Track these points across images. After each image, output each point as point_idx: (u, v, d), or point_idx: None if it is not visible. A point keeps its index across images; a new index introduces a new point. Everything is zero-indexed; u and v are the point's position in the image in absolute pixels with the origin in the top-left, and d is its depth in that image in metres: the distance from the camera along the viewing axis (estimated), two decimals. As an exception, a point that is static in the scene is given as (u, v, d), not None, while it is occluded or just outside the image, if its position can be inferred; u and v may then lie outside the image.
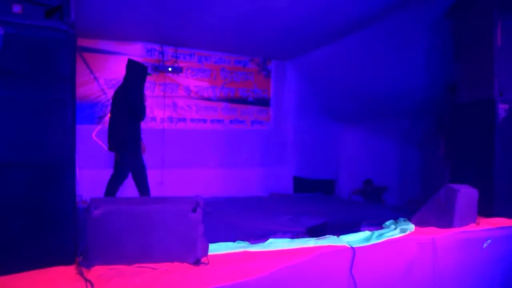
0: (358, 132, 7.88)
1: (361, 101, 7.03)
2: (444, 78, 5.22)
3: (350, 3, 4.94)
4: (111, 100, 5.03)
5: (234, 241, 2.99)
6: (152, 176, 6.90)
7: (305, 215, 4.96)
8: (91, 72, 6.57)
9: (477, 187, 3.87)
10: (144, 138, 6.92)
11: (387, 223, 3.74)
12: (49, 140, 2.41)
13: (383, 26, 5.52)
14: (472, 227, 3.72)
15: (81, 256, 2.43)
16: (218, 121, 7.69)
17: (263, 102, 8.11)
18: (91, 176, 6.22)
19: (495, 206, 4.10)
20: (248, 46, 7.18)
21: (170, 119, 7.24)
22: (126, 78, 4.91)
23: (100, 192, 6.33)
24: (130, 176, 5.09)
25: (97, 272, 2.28)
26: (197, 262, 2.46)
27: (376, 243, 3.09)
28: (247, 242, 2.98)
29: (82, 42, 6.19)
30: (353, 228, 3.40)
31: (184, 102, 7.34)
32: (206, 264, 2.49)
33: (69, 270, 2.33)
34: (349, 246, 2.92)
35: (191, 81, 7.37)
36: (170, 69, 6.99)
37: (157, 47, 7.02)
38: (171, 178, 7.01)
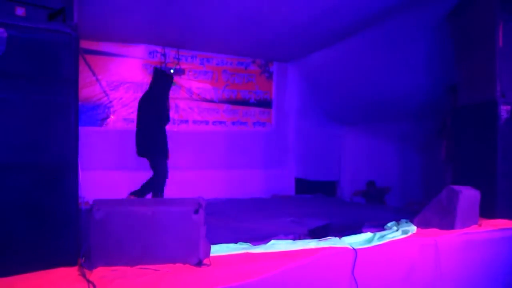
0: (359, 134, 7.88)
1: (362, 103, 7.04)
2: (445, 80, 5.22)
3: (351, 6, 4.95)
4: (137, 107, 5.23)
5: (236, 242, 2.99)
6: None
7: (307, 217, 4.95)
8: (94, 74, 6.59)
9: (479, 189, 3.87)
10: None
11: (389, 224, 3.74)
12: (52, 142, 2.42)
13: (384, 28, 5.52)
14: (474, 228, 3.71)
15: (83, 258, 2.44)
16: (220, 122, 7.69)
17: (265, 103, 8.11)
18: (93, 177, 6.26)
19: (497, 208, 4.08)
20: (250, 48, 7.19)
21: (172, 120, 7.24)
22: (152, 85, 5.18)
23: (103, 193, 6.35)
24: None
25: (99, 273, 2.29)
26: (199, 264, 2.46)
27: (378, 245, 3.09)
28: (249, 244, 2.99)
29: (84, 44, 6.21)
30: (355, 229, 3.40)
31: (186, 104, 7.35)
32: (208, 265, 2.49)
33: (72, 272, 2.34)
34: (351, 248, 2.92)
35: (193, 83, 7.38)
36: (172, 71, 7.00)
37: (159, 49, 7.04)
38: (173, 179, 6.99)
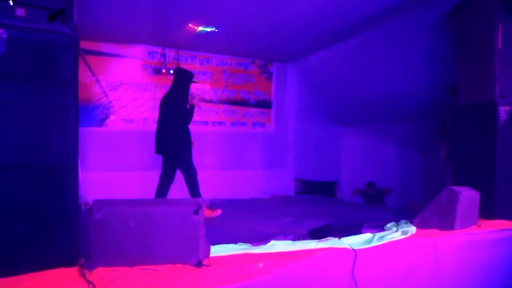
0: (359, 134, 7.88)
1: (362, 104, 7.04)
2: (444, 81, 5.22)
3: (351, 6, 4.95)
4: (159, 106, 5.24)
5: (235, 243, 2.99)
6: (154, 178, 6.92)
7: (306, 217, 4.96)
8: (93, 74, 6.60)
9: (478, 189, 3.87)
10: (146, 140, 6.97)
11: (389, 225, 3.75)
12: (51, 142, 2.42)
13: (384, 28, 5.53)
14: (473, 229, 3.71)
15: (83, 258, 2.44)
16: (220, 123, 7.70)
17: (264, 104, 8.12)
18: (93, 178, 6.27)
19: (496, 208, 4.09)
20: (249, 49, 7.20)
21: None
22: (173, 84, 5.20)
23: (102, 194, 6.36)
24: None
25: (99, 274, 2.28)
26: (199, 264, 2.46)
27: (378, 245, 3.09)
28: (248, 244, 2.99)
29: (84, 44, 6.22)
30: (355, 230, 3.40)
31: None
32: (208, 266, 2.49)
33: (71, 272, 2.33)
34: (351, 248, 2.93)
35: (192, 84, 7.37)
36: (172, 71, 7.01)
37: (159, 49, 7.05)
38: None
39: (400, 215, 4.39)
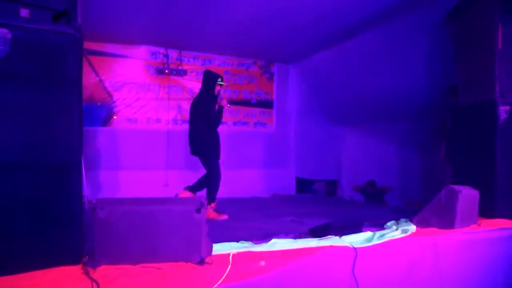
0: (359, 134, 7.89)
1: (362, 104, 7.05)
2: (444, 81, 5.23)
3: (352, 7, 4.97)
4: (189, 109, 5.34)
5: (237, 241, 3.02)
6: (157, 177, 6.97)
7: (307, 216, 4.98)
8: (97, 74, 6.62)
9: (478, 189, 3.89)
10: (148, 140, 7.00)
11: (389, 223, 3.77)
12: (56, 142, 2.44)
13: (384, 29, 5.54)
14: (473, 228, 3.73)
15: (87, 256, 2.47)
16: (222, 122, 7.68)
17: (266, 104, 8.14)
18: (96, 177, 6.30)
19: (496, 207, 4.10)
20: (251, 50, 7.22)
21: (175, 121, 7.29)
22: (201, 87, 5.30)
23: (106, 192, 6.41)
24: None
25: (102, 272, 2.31)
26: (201, 262, 2.48)
27: (378, 244, 3.11)
28: (250, 242, 3.01)
29: (88, 45, 6.25)
30: (355, 228, 3.42)
31: (188, 104, 7.34)
32: (210, 264, 2.51)
33: (75, 270, 2.36)
34: (351, 247, 2.95)
35: (195, 84, 7.40)
36: (174, 71, 7.05)
37: (161, 50, 7.07)
38: (175, 179, 7.05)
39: (400, 214, 4.41)
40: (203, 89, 5.27)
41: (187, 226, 2.49)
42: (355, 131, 8.01)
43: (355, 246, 2.96)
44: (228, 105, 5.35)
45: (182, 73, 7.12)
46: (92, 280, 2.19)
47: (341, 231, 3.26)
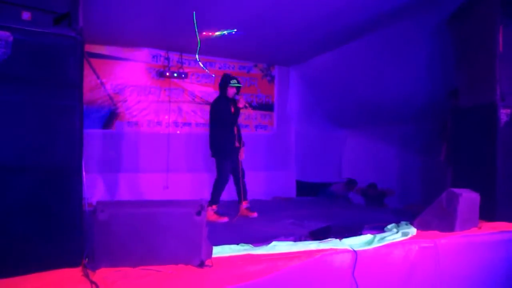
0: (360, 136, 7.91)
1: (363, 107, 7.07)
2: (445, 83, 5.24)
3: (353, 10, 4.97)
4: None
5: (237, 244, 3.02)
6: (158, 180, 6.98)
7: (307, 219, 4.98)
8: (98, 77, 6.63)
9: (479, 192, 3.89)
10: (149, 143, 7.01)
11: (389, 226, 3.77)
12: (57, 144, 2.44)
13: (385, 32, 5.54)
14: (474, 231, 3.73)
15: (87, 258, 2.47)
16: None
17: (266, 107, 8.15)
18: (97, 179, 6.31)
19: (497, 210, 4.10)
20: (252, 52, 7.23)
21: (176, 123, 7.29)
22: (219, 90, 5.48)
23: (106, 195, 6.41)
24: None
25: (102, 274, 2.31)
26: (201, 265, 2.49)
27: (378, 247, 3.12)
28: (250, 245, 3.01)
29: (89, 48, 6.26)
30: (355, 231, 3.42)
31: (189, 107, 7.40)
32: (210, 266, 2.51)
33: (75, 272, 2.36)
34: (351, 249, 2.95)
35: (196, 87, 7.42)
36: (175, 74, 7.06)
37: (162, 53, 7.09)
38: (176, 182, 7.06)
39: (400, 217, 4.41)
40: (219, 92, 5.48)
41: (187, 228, 2.49)
42: (355, 134, 8.02)
43: (355, 249, 2.97)
44: (246, 106, 5.42)
45: (183, 76, 7.14)
46: (92, 282, 2.20)
47: (342, 234, 3.26)
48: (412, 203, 6.27)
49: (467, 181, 4.18)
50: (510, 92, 4.16)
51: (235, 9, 5.06)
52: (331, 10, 5.00)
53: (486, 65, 4.27)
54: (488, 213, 4.03)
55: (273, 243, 3.08)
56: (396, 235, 3.39)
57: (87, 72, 6.30)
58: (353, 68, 6.61)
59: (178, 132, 7.28)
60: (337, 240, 3.13)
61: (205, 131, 7.44)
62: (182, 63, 7.24)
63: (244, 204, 5.42)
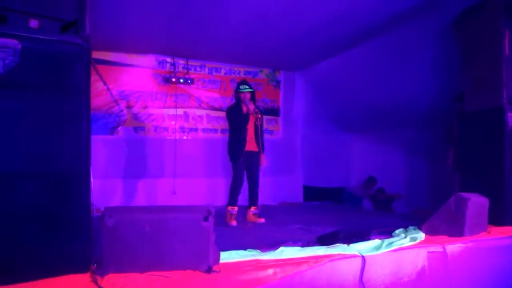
0: (366, 141, 7.89)
1: (369, 111, 7.06)
2: (451, 87, 5.22)
3: (357, 15, 4.98)
4: None
5: (245, 249, 3.02)
6: (165, 185, 6.99)
7: (315, 224, 4.96)
8: (105, 83, 6.67)
9: (487, 196, 3.86)
10: (156, 148, 7.03)
11: (397, 231, 3.75)
12: (64, 151, 2.45)
13: (390, 36, 5.54)
14: (482, 236, 3.70)
15: (95, 264, 2.47)
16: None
17: (272, 112, 8.15)
18: (104, 185, 6.33)
19: (505, 215, 4.07)
20: (257, 58, 7.25)
21: (182, 129, 7.32)
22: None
23: (114, 201, 6.43)
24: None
25: (111, 280, 2.31)
26: (209, 270, 2.48)
27: (386, 252, 3.10)
28: (258, 251, 3.01)
29: (95, 54, 6.30)
30: (363, 236, 3.41)
31: (195, 113, 7.42)
32: (217, 272, 2.50)
33: (84, 278, 2.36)
34: (359, 255, 2.94)
35: (202, 92, 7.45)
36: (181, 80, 7.09)
37: (168, 59, 7.12)
38: (183, 187, 7.07)
39: (408, 222, 4.37)
40: (234, 96, 5.64)
41: (195, 234, 2.48)
42: (362, 138, 8.01)
43: (363, 254, 2.95)
44: (256, 112, 5.48)
45: (189, 81, 7.16)
46: (100, 288, 2.20)
47: (349, 239, 3.25)
48: (420, 208, 6.23)
49: (475, 186, 4.15)
50: (517, 96, 4.14)
51: (241, 15, 5.08)
52: (335, 15, 5.01)
53: (492, 68, 4.26)
54: (497, 217, 4.00)
55: (281, 248, 3.07)
56: (405, 240, 3.37)
57: (93, 78, 6.35)
58: (359, 73, 6.60)
59: (184, 137, 7.31)
60: (345, 245, 3.11)
61: (211, 136, 7.49)
62: (188, 69, 7.27)
63: (252, 210, 5.43)
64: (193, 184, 7.19)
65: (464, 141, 4.78)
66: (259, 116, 5.49)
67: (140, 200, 6.77)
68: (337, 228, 4.06)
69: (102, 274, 2.35)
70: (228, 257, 2.79)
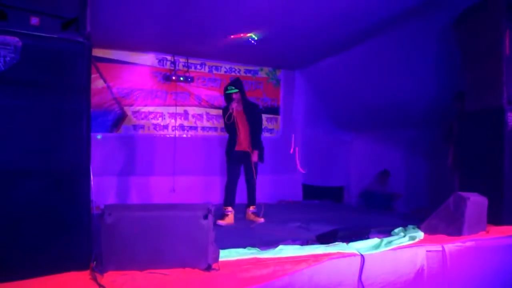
0: (366, 140, 7.89)
1: (369, 110, 7.05)
2: (451, 87, 5.22)
3: (358, 14, 4.97)
4: None
5: (244, 247, 3.02)
6: (164, 183, 6.99)
7: (314, 222, 4.97)
8: (105, 81, 6.67)
9: (486, 195, 3.87)
10: (156, 146, 7.03)
11: (396, 230, 3.76)
12: (64, 148, 2.46)
13: (391, 36, 5.52)
14: (481, 235, 3.71)
15: (94, 262, 2.48)
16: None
17: (272, 110, 8.16)
18: (104, 182, 6.33)
19: (505, 215, 4.08)
20: (257, 56, 7.24)
21: (182, 127, 7.32)
22: None
23: (113, 198, 6.44)
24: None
25: (110, 277, 2.32)
26: (208, 268, 2.49)
27: (385, 251, 3.11)
28: (257, 249, 3.02)
29: (96, 52, 6.29)
30: (362, 235, 3.42)
31: (195, 111, 7.42)
32: (217, 270, 2.51)
33: (83, 275, 2.37)
34: (359, 254, 2.94)
35: (202, 90, 7.44)
36: (181, 78, 7.08)
37: (169, 57, 7.12)
38: (182, 185, 7.07)
39: (407, 221, 4.39)
40: None
41: (194, 232, 2.49)
42: (362, 137, 8.01)
43: (362, 253, 2.96)
44: (239, 111, 5.40)
45: (189, 79, 7.16)
46: (100, 285, 2.21)
47: (348, 238, 3.26)
48: (419, 207, 6.24)
49: (474, 185, 4.16)
50: (517, 96, 4.15)
51: (241, 14, 5.07)
52: (336, 14, 5.00)
53: (492, 68, 4.25)
54: (496, 217, 4.01)
55: (280, 246, 3.08)
56: (404, 239, 3.38)
57: (94, 76, 6.35)
58: (359, 72, 6.60)
59: (184, 135, 7.31)
60: (344, 244, 3.12)
61: (211, 134, 7.49)
62: (188, 67, 7.27)
63: (251, 209, 5.44)
64: (193, 182, 7.20)
65: (463, 141, 4.79)
66: (250, 114, 5.41)
67: (140, 197, 6.79)
68: (336, 227, 4.06)
69: (102, 272, 2.36)
70: (227, 255, 2.80)
